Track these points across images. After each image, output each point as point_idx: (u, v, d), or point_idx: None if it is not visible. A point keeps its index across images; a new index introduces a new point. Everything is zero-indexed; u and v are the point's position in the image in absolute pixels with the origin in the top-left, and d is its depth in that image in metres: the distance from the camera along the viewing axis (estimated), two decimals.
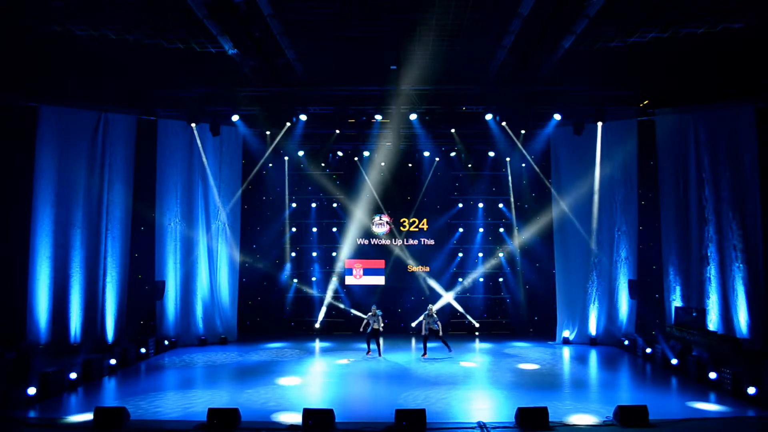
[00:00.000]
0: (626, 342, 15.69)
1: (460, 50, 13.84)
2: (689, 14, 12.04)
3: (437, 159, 18.99)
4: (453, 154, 18.88)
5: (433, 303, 17.17)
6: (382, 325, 14.45)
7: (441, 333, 14.64)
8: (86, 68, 13.80)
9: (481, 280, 19.18)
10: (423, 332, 14.52)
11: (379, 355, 14.51)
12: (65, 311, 14.41)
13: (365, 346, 14.88)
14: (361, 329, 14.82)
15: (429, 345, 14.72)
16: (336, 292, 19.17)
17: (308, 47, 13.82)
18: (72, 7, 11.72)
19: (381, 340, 14.54)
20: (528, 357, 14.92)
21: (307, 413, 9.01)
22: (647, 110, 15.90)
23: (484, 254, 19.30)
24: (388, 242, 19.29)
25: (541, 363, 14.23)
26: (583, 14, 11.58)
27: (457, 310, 18.84)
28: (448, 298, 18.76)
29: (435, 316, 14.65)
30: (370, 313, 14.49)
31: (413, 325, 18.31)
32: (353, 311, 18.88)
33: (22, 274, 13.94)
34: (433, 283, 18.83)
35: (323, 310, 19.01)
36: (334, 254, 19.40)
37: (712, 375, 11.54)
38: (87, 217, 14.82)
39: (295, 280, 19.29)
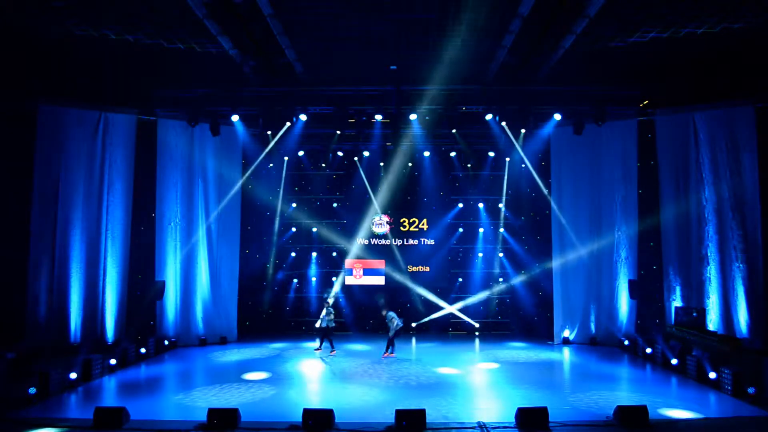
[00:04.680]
0: (626, 342, 15.69)
1: (460, 50, 13.84)
2: (689, 14, 12.05)
3: (437, 159, 18.99)
4: (453, 154, 18.87)
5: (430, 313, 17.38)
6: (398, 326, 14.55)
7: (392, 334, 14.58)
8: (86, 68, 13.81)
9: (481, 279, 19.16)
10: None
11: (392, 353, 14.62)
12: (65, 311, 14.39)
13: (365, 347, 14.86)
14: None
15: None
16: (336, 292, 19.16)
17: (308, 47, 13.83)
18: (72, 7, 11.73)
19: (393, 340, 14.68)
20: (527, 357, 14.93)
21: (307, 413, 9.02)
22: (647, 110, 15.91)
23: (484, 254, 19.30)
24: (388, 242, 19.29)
25: (540, 363, 14.24)
26: (583, 14, 11.60)
27: (456, 309, 18.87)
28: (449, 309, 18.75)
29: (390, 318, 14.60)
30: (393, 318, 14.53)
31: (413, 325, 18.31)
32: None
33: (22, 274, 13.93)
34: (431, 297, 18.81)
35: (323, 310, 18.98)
36: (334, 254, 19.41)
37: (712, 375, 11.56)
38: (87, 217, 14.81)
39: (295, 280, 19.28)
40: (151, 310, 16.04)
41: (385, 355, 14.54)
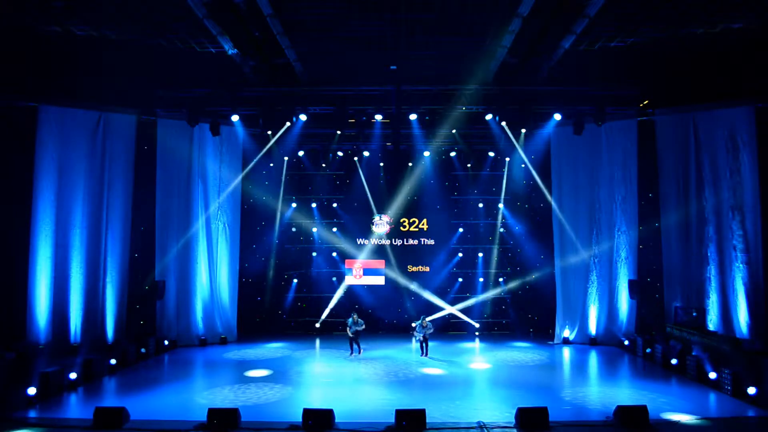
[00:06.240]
0: (626, 342, 15.70)
1: (460, 50, 13.85)
2: (689, 14, 12.05)
3: (437, 159, 18.98)
4: (453, 154, 18.86)
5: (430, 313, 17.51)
6: (430, 332, 14.90)
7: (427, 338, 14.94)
8: (86, 68, 13.79)
9: (481, 280, 19.16)
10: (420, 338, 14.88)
11: (425, 354, 14.78)
12: (65, 311, 14.39)
13: (365, 346, 14.96)
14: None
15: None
16: (336, 292, 19.15)
17: (308, 47, 13.83)
18: (72, 7, 11.73)
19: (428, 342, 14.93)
20: (527, 357, 14.93)
21: (307, 413, 9.02)
22: (647, 110, 15.91)
23: (484, 254, 19.30)
24: (388, 242, 19.28)
25: (540, 363, 14.25)
26: (583, 14, 11.60)
27: (457, 309, 18.86)
28: (449, 309, 18.75)
29: (429, 324, 14.99)
30: (420, 325, 14.80)
31: (413, 325, 18.29)
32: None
33: (22, 274, 13.92)
34: (431, 297, 18.77)
35: (325, 310, 18.99)
36: (334, 254, 19.39)
37: (712, 375, 11.56)
38: (87, 217, 14.80)
39: (295, 280, 19.27)
40: (151, 310, 16.05)
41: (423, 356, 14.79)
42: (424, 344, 14.81)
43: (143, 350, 14.54)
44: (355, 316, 15.14)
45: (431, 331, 14.90)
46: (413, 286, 18.83)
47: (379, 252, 19.22)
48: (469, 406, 10.40)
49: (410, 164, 19.22)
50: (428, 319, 15.34)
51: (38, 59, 13.70)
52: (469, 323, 18.73)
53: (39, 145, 14.24)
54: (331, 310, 19.00)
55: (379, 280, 19.08)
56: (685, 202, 15.13)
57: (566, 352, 15.77)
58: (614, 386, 12.05)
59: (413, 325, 15.17)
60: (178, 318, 16.36)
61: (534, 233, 18.58)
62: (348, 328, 14.90)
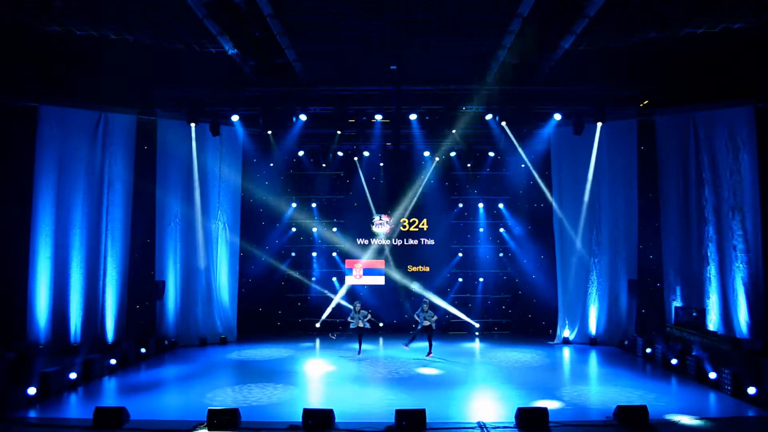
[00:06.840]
0: (626, 342, 15.70)
1: (460, 50, 13.84)
2: (689, 14, 12.05)
3: (437, 159, 18.97)
4: (453, 154, 18.85)
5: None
6: (434, 320, 14.58)
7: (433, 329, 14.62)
8: (86, 68, 13.79)
9: (481, 279, 19.16)
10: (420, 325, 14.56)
11: (429, 353, 14.56)
12: (65, 311, 14.37)
13: (366, 346, 14.95)
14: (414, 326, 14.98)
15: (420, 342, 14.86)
16: (336, 292, 19.15)
17: (308, 47, 13.82)
18: (72, 7, 11.72)
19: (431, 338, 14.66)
20: (527, 357, 14.93)
21: (307, 413, 9.02)
22: (647, 110, 15.91)
23: (484, 254, 19.29)
24: (388, 242, 19.28)
25: (541, 363, 14.24)
26: (583, 14, 11.59)
27: (456, 309, 18.85)
28: (449, 309, 18.73)
29: (431, 312, 14.69)
30: (420, 311, 14.59)
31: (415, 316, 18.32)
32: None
33: (22, 274, 13.90)
34: (432, 296, 18.65)
35: (325, 310, 18.98)
36: (334, 254, 19.39)
37: (712, 375, 11.56)
38: (87, 217, 14.79)
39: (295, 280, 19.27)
40: (151, 310, 16.05)
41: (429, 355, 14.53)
42: (425, 339, 14.55)
43: (143, 350, 14.54)
44: (357, 306, 15.04)
45: (434, 318, 14.55)
46: (413, 286, 18.84)
47: (379, 252, 19.23)
48: (469, 406, 10.41)
49: (410, 164, 19.20)
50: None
51: (38, 59, 13.68)
52: (469, 323, 18.73)
53: (39, 145, 14.21)
54: (332, 310, 19.01)
55: (379, 280, 19.08)
56: (685, 202, 15.13)
57: (566, 352, 15.77)
58: (614, 386, 12.03)
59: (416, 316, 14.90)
60: (178, 318, 16.36)
61: (534, 233, 18.57)
62: (360, 321, 14.78)
